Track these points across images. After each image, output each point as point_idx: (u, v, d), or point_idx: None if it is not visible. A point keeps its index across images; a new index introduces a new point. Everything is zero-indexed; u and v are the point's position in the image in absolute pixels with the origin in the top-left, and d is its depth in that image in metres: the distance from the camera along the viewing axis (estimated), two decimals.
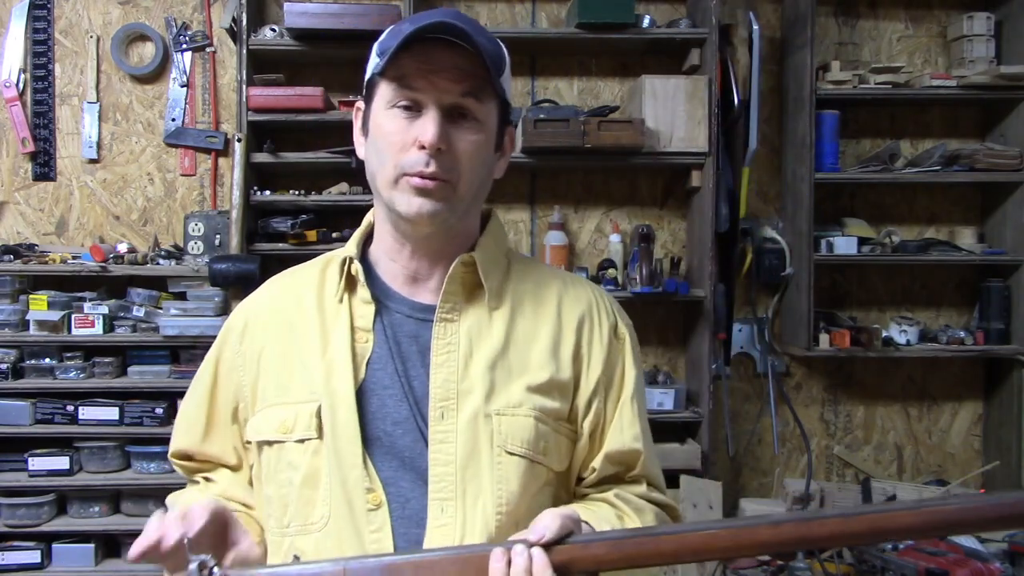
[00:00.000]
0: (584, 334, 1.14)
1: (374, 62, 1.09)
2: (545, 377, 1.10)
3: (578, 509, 1.03)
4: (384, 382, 1.08)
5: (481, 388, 1.06)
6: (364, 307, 1.11)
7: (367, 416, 1.06)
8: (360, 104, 1.14)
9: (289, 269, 1.23)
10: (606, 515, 1.07)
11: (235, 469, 1.18)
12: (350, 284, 1.13)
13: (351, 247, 1.15)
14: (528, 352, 1.10)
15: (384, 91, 1.06)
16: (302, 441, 1.06)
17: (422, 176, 1.04)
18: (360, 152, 1.14)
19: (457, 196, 1.07)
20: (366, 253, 1.17)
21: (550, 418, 1.09)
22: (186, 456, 1.20)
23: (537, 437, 1.07)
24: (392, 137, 1.05)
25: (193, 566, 0.90)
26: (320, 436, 1.05)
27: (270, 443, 1.09)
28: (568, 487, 1.15)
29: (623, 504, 1.11)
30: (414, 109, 1.04)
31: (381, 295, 1.12)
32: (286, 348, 1.12)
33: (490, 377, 1.07)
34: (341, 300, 1.12)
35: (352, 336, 1.09)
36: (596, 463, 1.13)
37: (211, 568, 0.90)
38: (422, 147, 1.03)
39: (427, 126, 1.02)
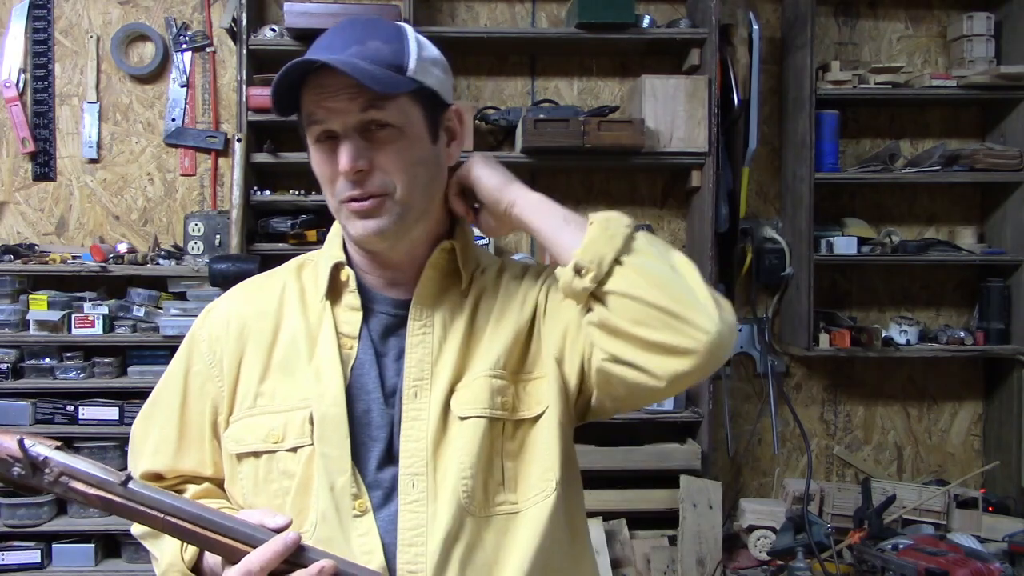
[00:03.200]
0: (543, 289, 1.14)
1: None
2: (500, 338, 1.10)
3: None
4: (368, 387, 1.08)
5: (453, 369, 1.08)
6: (351, 313, 1.11)
7: (354, 422, 1.06)
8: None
9: (257, 275, 1.22)
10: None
11: (208, 481, 1.16)
12: (335, 289, 1.13)
13: (336, 251, 1.14)
14: (487, 326, 1.12)
15: (306, 129, 1.08)
16: (295, 449, 1.06)
17: (354, 199, 1.05)
18: None
19: (401, 204, 1.06)
20: (347, 257, 1.16)
21: (507, 373, 1.09)
22: (156, 476, 1.16)
23: (492, 394, 1.07)
24: (322, 170, 1.08)
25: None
26: (314, 443, 1.05)
27: (257, 454, 1.08)
28: (568, 412, 1.11)
29: None
30: (333, 139, 1.05)
31: (366, 299, 1.12)
32: (269, 354, 1.11)
33: (461, 357, 1.09)
34: (325, 307, 1.12)
35: (338, 342, 1.09)
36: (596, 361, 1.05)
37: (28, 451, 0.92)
38: (344, 174, 1.04)
39: (341, 155, 1.04)
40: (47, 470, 0.92)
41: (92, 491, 0.93)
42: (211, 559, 1.03)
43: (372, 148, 1.04)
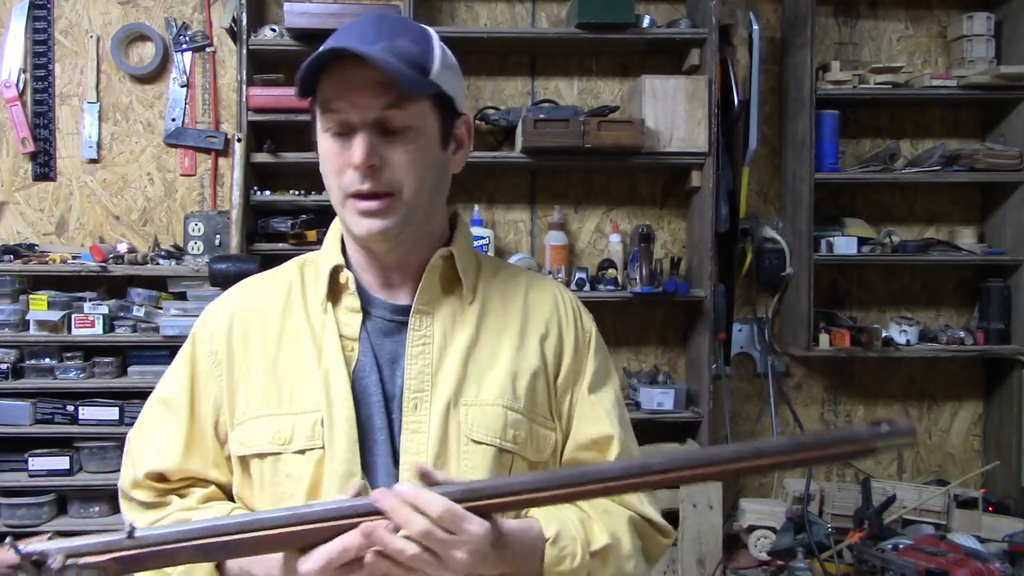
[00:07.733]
0: (553, 326, 1.16)
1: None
2: (516, 368, 1.11)
3: (536, 512, 1.05)
4: (369, 390, 1.08)
5: (454, 380, 1.08)
6: (351, 315, 1.11)
7: (359, 426, 1.06)
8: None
9: (258, 275, 1.21)
10: (567, 515, 1.08)
11: (213, 483, 1.14)
12: (334, 291, 1.13)
13: (335, 253, 1.14)
14: (499, 345, 1.12)
15: (318, 117, 1.07)
16: (303, 452, 1.05)
17: (360, 195, 1.04)
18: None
19: (405, 206, 1.06)
20: (345, 258, 1.15)
21: (523, 408, 1.10)
22: (159, 477, 1.13)
23: (506, 426, 1.08)
24: (331, 160, 1.06)
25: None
26: (324, 446, 1.05)
27: (262, 456, 1.07)
28: None
29: (588, 506, 1.11)
30: (347, 131, 1.04)
31: (364, 301, 1.12)
32: (275, 356, 1.10)
33: (463, 369, 1.09)
34: (326, 309, 1.11)
35: (341, 344, 1.09)
36: (568, 452, 1.15)
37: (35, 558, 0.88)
38: (357, 167, 1.03)
39: (355, 147, 1.03)
40: (50, 560, 0.89)
41: (104, 558, 0.89)
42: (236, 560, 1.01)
43: (386, 145, 1.04)
